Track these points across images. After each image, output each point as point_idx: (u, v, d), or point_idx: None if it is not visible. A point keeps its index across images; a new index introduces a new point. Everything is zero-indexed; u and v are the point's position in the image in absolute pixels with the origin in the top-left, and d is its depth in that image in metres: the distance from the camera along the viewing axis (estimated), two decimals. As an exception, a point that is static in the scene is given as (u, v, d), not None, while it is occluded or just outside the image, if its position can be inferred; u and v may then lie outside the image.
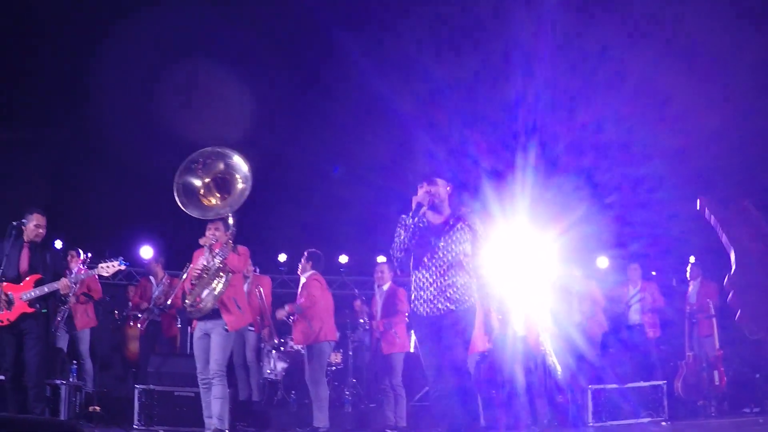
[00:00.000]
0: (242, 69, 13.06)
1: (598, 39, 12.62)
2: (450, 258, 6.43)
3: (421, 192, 6.51)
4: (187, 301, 8.36)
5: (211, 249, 8.38)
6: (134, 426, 10.07)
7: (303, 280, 10.39)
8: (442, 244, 6.46)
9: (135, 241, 12.51)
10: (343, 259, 14.46)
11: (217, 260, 8.24)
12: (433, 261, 6.45)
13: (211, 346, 8.38)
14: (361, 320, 12.39)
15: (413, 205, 6.47)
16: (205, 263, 8.33)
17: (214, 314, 8.35)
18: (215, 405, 8.34)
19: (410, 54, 12.95)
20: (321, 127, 14.15)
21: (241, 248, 8.54)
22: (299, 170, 14.31)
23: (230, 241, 8.32)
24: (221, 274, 8.24)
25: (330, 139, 14.21)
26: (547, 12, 12.23)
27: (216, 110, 13.04)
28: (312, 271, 10.36)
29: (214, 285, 8.25)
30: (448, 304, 6.39)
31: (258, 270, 12.00)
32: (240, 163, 8.21)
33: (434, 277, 6.44)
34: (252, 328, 11.45)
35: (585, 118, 13.03)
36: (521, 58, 12.55)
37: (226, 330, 8.35)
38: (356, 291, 13.08)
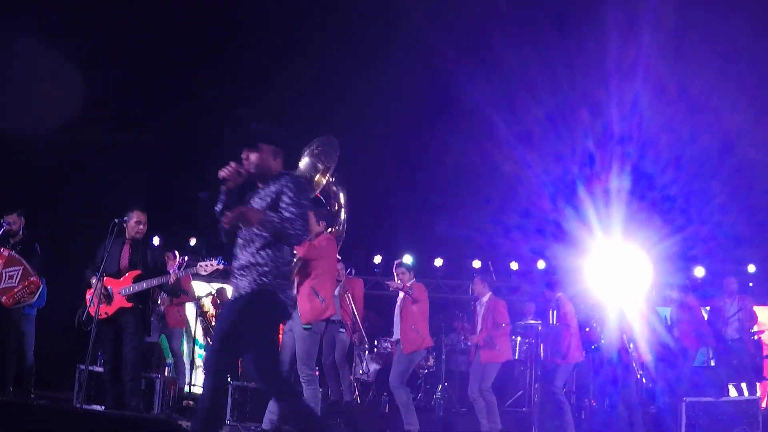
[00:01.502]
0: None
1: (703, 37, 12.28)
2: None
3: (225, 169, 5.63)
4: None
5: None
6: (227, 422, 10.19)
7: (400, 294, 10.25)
8: None
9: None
10: (438, 262, 14.39)
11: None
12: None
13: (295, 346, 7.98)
14: (462, 337, 12.33)
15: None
16: None
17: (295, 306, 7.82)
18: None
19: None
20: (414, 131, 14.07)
21: (319, 239, 8.15)
22: (398, 174, 14.25)
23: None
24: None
25: (423, 141, 14.13)
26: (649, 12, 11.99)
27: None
28: (413, 281, 10.30)
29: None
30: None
31: (353, 272, 12.00)
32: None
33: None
34: (343, 330, 11.46)
35: (684, 124, 12.71)
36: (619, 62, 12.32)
37: (304, 326, 7.83)
38: (459, 313, 12.89)
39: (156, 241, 10.51)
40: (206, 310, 12.61)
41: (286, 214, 5.43)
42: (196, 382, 12.26)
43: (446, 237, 13.76)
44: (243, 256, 5.55)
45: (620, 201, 11.89)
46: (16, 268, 8.88)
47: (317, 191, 8.47)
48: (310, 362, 7.91)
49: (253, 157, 5.67)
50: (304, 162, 8.46)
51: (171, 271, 8.82)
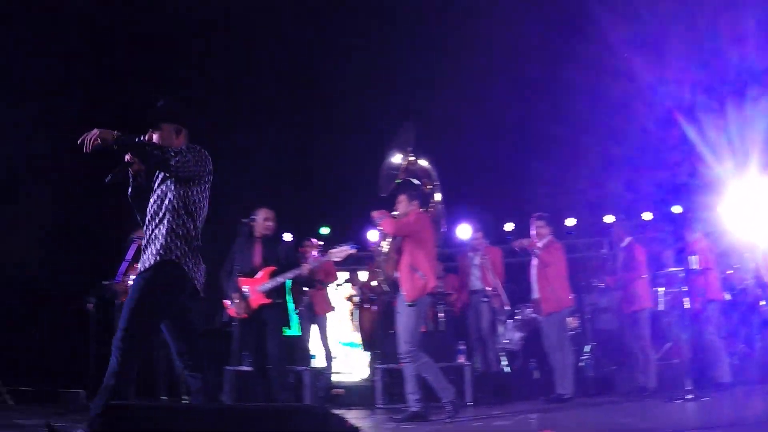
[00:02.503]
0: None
1: None
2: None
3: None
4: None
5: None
6: (376, 405, 10.22)
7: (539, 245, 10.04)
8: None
9: (362, 225, 12.63)
10: (570, 221, 14.09)
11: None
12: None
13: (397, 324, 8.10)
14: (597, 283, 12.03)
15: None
16: None
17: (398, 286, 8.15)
18: (407, 383, 8.09)
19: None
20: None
21: (408, 215, 8.28)
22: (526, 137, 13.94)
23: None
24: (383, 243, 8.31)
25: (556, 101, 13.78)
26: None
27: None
28: (550, 237, 10.10)
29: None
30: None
31: (489, 242, 11.88)
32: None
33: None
34: (486, 299, 11.35)
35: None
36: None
37: (408, 304, 7.96)
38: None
39: (288, 237, 10.60)
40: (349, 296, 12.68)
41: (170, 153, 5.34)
42: (342, 369, 12.41)
43: (577, 195, 13.45)
44: (148, 230, 5.51)
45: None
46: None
47: (404, 175, 8.43)
48: (412, 339, 7.96)
49: (155, 136, 5.55)
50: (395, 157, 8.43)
51: (310, 259, 8.90)
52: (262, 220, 8.68)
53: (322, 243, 10.46)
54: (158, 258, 5.36)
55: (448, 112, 12.36)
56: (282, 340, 8.60)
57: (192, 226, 5.51)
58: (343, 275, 12.69)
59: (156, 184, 5.59)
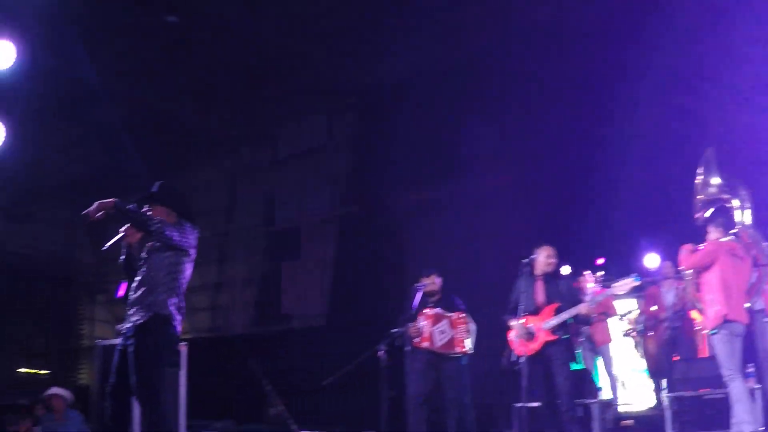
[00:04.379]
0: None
1: None
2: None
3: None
4: None
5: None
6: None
7: None
8: None
9: (637, 251, 12.48)
10: None
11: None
12: None
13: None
14: None
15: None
16: None
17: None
18: (733, 409, 8.21)
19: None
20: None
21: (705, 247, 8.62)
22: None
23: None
24: None
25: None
26: None
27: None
28: None
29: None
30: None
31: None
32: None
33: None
34: (767, 319, 10.93)
35: None
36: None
37: (711, 333, 8.43)
38: None
39: (566, 270, 10.62)
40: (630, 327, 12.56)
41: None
42: (629, 399, 12.27)
43: None
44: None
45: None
46: (443, 322, 9.41)
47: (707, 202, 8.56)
48: (727, 364, 8.34)
49: (152, 212, 6.85)
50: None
51: (590, 295, 8.98)
52: (544, 257, 8.84)
53: (601, 273, 10.44)
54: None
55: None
56: (570, 374, 8.71)
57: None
58: (628, 304, 12.61)
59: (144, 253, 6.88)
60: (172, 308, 6.67)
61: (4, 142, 10.64)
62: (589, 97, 12.81)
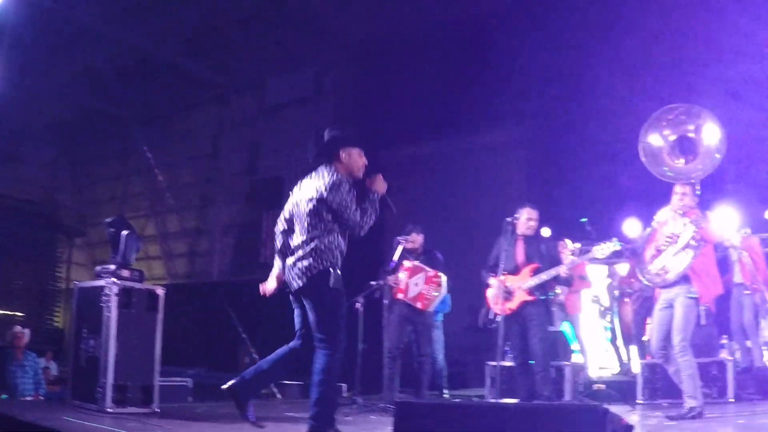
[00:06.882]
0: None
1: None
2: None
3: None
4: (650, 267, 8.03)
5: (684, 215, 7.91)
6: (638, 400, 10.12)
7: None
8: None
9: (618, 218, 12.51)
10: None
11: (690, 228, 7.78)
12: None
13: (674, 316, 7.83)
14: None
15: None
16: (675, 230, 7.91)
17: (680, 281, 7.83)
18: (684, 383, 7.78)
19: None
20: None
21: (709, 215, 8.05)
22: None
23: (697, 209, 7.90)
24: (692, 242, 7.76)
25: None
26: None
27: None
28: None
29: (684, 254, 7.79)
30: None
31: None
32: (712, 127, 7.80)
33: None
34: (747, 292, 11.00)
35: None
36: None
37: (693, 299, 7.78)
38: None
39: (547, 232, 10.63)
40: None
41: None
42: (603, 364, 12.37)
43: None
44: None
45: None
46: (420, 275, 9.39)
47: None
48: (687, 334, 7.80)
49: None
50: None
51: (565, 262, 8.95)
52: (525, 219, 8.82)
53: (578, 245, 10.43)
54: None
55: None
56: (545, 336, 8.73)
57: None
58: (602, 270, 12.67)
59: None
60: None
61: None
62: (583, 59, 12.77)
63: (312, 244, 5.98)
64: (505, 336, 8.53)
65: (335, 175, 6.09)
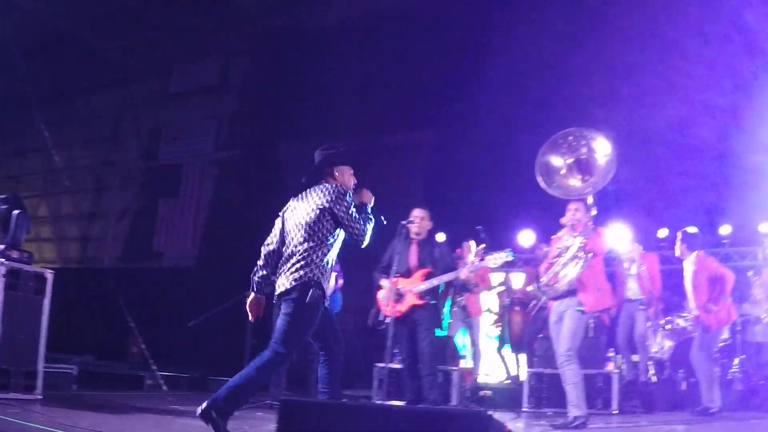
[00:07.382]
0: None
1: None
2: None
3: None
4: (542, 279, 8.24)
5: (573, 228, 8.11)
6: (523, 408, 10.30)
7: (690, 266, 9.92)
8: None
9: (513, 229, 12.72)
10: (725, 230, 13.69)
11: (578, 240, 7.97)
12: None
13: (562, 328, 8.04)
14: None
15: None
16: (566, 243, 8.10)
17: (569, 294, 8.02)
18: (568, 391, 7.95)
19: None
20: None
21: (600, 230, 8.22)
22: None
23: (591, 223, 8.03)
24: (580, 254, 7.93)
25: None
26: None
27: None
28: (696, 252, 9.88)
29: (572, 265, 7.97)
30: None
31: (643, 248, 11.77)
32: (603, 145, 7.98)
33: None
34: (642, 307, 11.25)
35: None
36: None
37: (581, 311, 7.97)
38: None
39: (441, 237, 10.72)
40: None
41: None
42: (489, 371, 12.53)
43: (732, 202, 13.09)
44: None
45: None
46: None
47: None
48: (573, 345, 7.99)
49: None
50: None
51: (463, 266, 9.05)
52: (419, 219, 8.85)
53: (483, 246, 10.56)
54: None
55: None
56: (433, 339, 8.77)
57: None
58: (498, 277, 12.84)
59: None
60: None
61: None
62: (488, 69, 12.93)
63: (305, 254, 6.04)
64: (394, 338, 8.52)
65: (338, 187, 6.22)
